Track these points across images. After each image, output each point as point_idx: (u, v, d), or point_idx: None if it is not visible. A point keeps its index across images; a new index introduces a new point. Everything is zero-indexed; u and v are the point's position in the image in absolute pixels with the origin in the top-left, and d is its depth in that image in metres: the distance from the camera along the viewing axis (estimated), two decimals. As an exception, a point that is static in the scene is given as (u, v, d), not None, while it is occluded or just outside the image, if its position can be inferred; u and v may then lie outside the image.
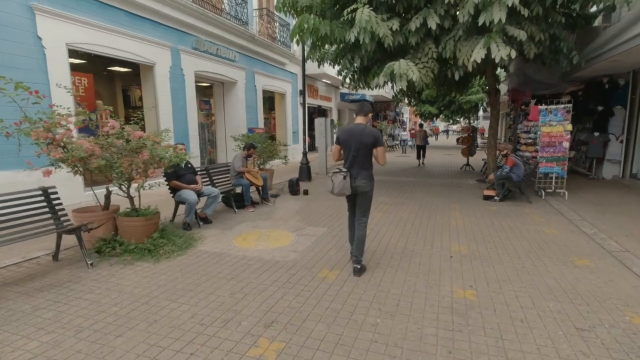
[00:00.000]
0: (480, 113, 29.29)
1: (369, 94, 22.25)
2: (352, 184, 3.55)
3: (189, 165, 5.63)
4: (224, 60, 10.89)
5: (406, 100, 15.00)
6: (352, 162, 3.57)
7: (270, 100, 15.64)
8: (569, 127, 7.23)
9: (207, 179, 6.43)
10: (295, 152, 16.20)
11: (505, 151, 7.29)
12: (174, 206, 5.59)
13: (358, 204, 3.71)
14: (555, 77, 9.36)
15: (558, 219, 5.83)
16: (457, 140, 33.24)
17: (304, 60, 10.21)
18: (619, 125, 9.14)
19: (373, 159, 3.71)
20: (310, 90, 17.62)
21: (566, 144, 7.27)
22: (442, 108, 25.43)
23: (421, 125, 17.56)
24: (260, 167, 8.65)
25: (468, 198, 7.63)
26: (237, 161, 6.68)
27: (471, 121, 27.94)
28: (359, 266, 3.65)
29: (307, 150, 10.36)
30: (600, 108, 9.35)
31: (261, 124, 13.35)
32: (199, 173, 6.21)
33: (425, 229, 5.30)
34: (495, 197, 7.22)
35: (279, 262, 4.04)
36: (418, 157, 14.50)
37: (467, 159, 12.66)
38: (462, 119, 28.55)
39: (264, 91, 13.83)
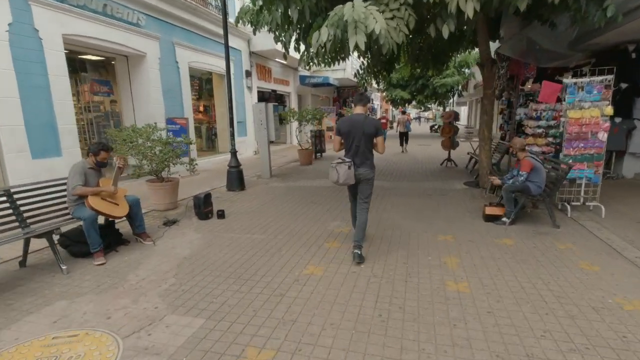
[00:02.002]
0: (454, 99, 27.23)
1: (333, 77, 19.52)
2: (354, 173, 3.59)
3: None
4: (120, 24, 7.78)
5: (374, 83, 12.43)
6: (355, 152, 3.64)
7: (209, 83, 12.60)
8: (609, 110, 4.84)
9: (11, 212, 3.53)
10: (242, 147, 13.31)
11: (517, 148, 4.81)
12: None
13: (360, 191, 3.78)
14: (564, 45, 7.00)
15: (620, 266, 3.40)
16: (431, 128, 31.26)
17: (225, 20, 7.30)
18: (648, 108, 6.92)
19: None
20: (261, 71, 14.66)
21: (604, 136, 4.88)
22: (415, 93, 23.13)
23: (404, 112, 17.19)
24: (157, 176, 5.76)
25: (461, 218, 5.13)
26: (73, 176, 3.79)
27: (446, 107, 25.85)
28: (359, 252, 3.65)
29: (236, 149, 7.50)
30: (623, 85, 7.08)
31: (189, 112, 10.33)
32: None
33: (401, 315, 2.69)
34: (504, 219, 4.75)
35: None
36: (401, 144, 14.58)
37: (449, 153, 10.25)
38: (436, 105, 26.43)
39: (193, 70, 10.77)
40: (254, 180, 8.51)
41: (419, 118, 56.18)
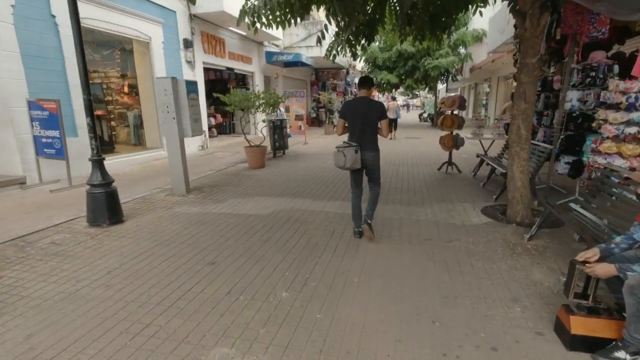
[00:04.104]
0: (447, 83, 24.39)
1: (307, 54, 16.38)
2: (361, 157, 3.59)
3: None
4: None
5: (348, 56, 9.51)
6: (360, 136, 3.62)
7: (128, 53, 9.35)
8: None
9: None
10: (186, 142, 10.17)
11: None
12: None
13: (369, 175, 3.81)
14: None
15: None
16: (420, 116, 28.39)
17: None
18: None
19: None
20: (209, 42, 11.46)
21: None
22: (404, 76, 20.18)
23: (394, 98, 17.41)
24: None
25: (507, 329, 2.32)
26: None
27: (437, 93, 23.04)
28: (369, 220, 3.78)
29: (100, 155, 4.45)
30: None
31: (75, 91, 7.14)
32: None
33: None
34: (623, 354, 1.95)
35: None
36: (390, 131, 13.89)
37: (450, 154, 7.42)
38: (425, 90, 23.57)
39: (92, 32, 7.56)
40: (158, 198, 5.52)
41: (407, 105, 53.31)
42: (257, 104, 7.77)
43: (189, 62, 10.40)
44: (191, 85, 5.57)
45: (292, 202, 5.31)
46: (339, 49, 7.04)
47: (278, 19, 5.60)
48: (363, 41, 7.17)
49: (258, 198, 5.54)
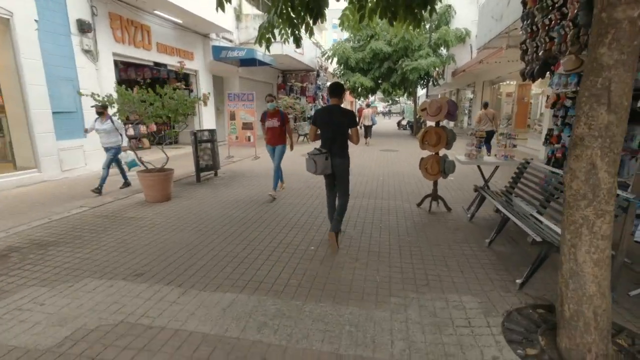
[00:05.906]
0: (427, 88, 22.35)
1: (269, 52, 13.87)
2: (331, 163, 3.65)
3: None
4: None
5: (289, 44, 7.25)
6: (331, 142, 3.68)
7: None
8: None
9: None
10: (72, 157, 7.46)
11: None
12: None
13: (337, 182, 3.82)
14: None
15: None
16: (399, 124, 26.27)
17: None
18: None
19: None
20: (124, 28, 8.82)
21: None
22: (380, 79, 17.99)
23: (368, 105, 17.01)
24: None
25: None
26: None
27: (416, 99, 20.96)
28: (336, 230, 3.78)
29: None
30: None
31: None
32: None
33: None
34: None
35: None
36: (365, 137, 14.75)
37: (435, 185, 5.05)
38: (404, 96, 21.39)
39: None
40: None
41: (389, 112, 51.36)
42: (152, 110, 5.20)
43: (87, 51, 7.72)
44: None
45: (142, 296, 2.77)
46: (274, 30, 4.52)
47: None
48: (308, 18, 4.67)
49: (87, 283, 2.98)
